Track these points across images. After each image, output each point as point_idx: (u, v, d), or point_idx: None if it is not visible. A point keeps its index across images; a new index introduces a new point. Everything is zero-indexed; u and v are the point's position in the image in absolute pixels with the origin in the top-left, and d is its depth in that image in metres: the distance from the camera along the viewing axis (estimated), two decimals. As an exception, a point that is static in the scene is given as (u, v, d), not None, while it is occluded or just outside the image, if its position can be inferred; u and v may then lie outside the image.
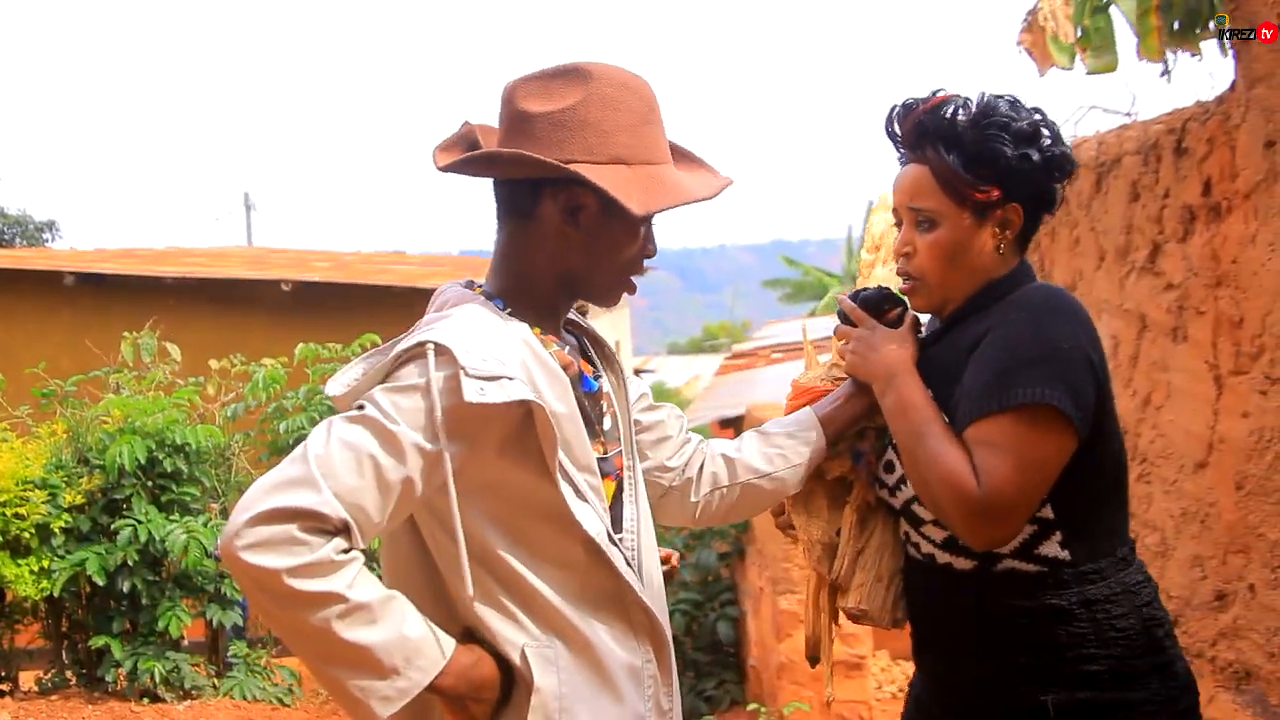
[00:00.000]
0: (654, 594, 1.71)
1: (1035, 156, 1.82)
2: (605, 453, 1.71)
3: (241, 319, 10.05)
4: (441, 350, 1.48)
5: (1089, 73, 3.24)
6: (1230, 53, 2.95)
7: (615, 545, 1.64)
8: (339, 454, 1.42)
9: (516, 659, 1.54)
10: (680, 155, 1.74)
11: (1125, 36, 3.10)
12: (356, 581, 1.41)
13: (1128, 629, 1.77)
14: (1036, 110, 1.86)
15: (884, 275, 2.13)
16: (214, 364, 5.78)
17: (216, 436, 5.25)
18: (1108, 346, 3.62)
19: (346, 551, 1.41)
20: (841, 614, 2.02)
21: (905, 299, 1.97)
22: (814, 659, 2.04)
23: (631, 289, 1.75)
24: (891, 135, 1.93)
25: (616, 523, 1.69)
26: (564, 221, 1.62)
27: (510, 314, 1.63)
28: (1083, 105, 4.22)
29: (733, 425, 9.26)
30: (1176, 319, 3.25)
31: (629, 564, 1.65)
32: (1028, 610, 1.77)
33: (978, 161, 1.81)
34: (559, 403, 1.57)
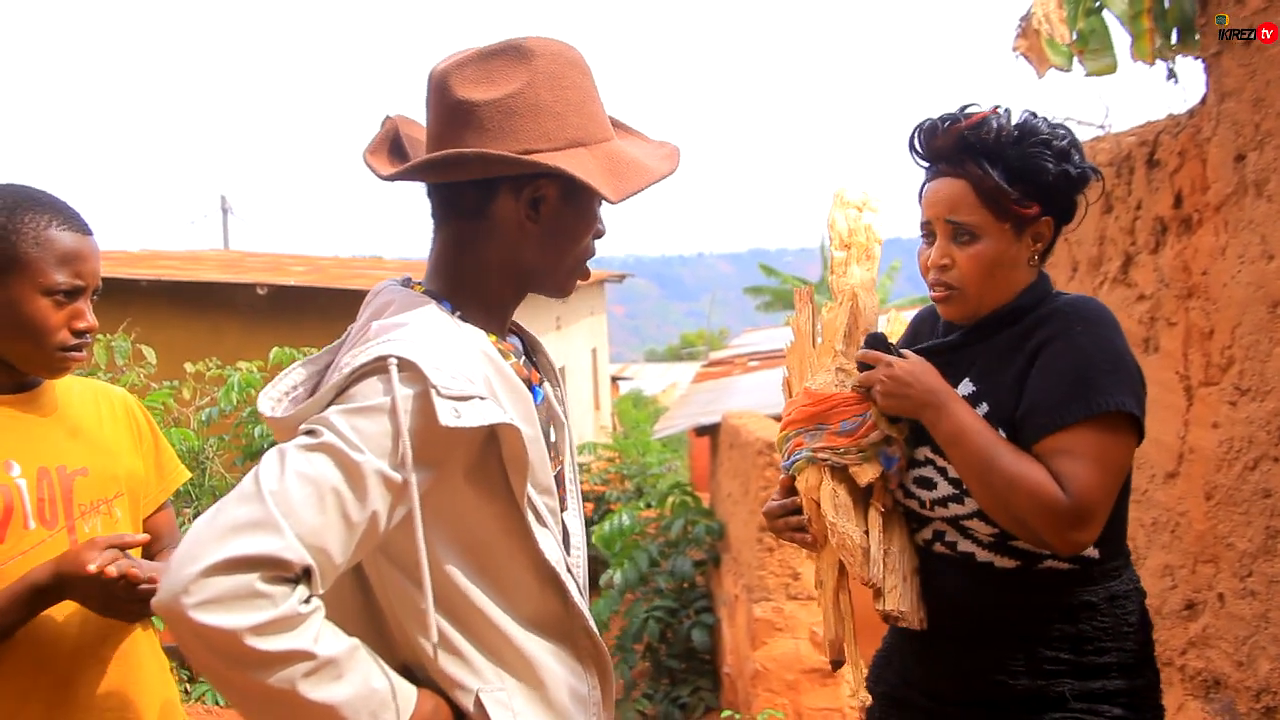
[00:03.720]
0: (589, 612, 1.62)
1: (1072, 173, 1.90)
2: (555, 468, 1.60)
3: (217, 322, 10.01)
4: (405, 365, 1.33)
5: (1088, 74, 3.25)
6: (1202, 67, 2.98)
7: (570, 572, 1.53)
8: (297, 489, 1.25)
9: (470, 705, 1.42)
10: (614, 124, 1.61)
11: (1122, 38, 3.10)
12: (321, 634, 1.27)
13: (1135, 623, 1.91)
14: (1063, 126, 1.93)
15: (859, 274, 2.13)
16: (189, 367, 5.75)
17: (191, 440, 5.22)
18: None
19: (308, 600, 1.26)
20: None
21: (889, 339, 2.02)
22: (837, 663, 2.02)
23: (586, 275, 1.61)
24: (924, 149, 1.96)
25: (565, 542, 1.59)
26: (524, 217, 1.49)
27: (461, 318, 1.49)
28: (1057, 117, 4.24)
29: (708, 433, 9.28)
30: (1148, 330, 3.27)
31: (579, 589, 1.56)
32: (1061, 605, 1.87)
33: (1021, 178, 1.88)
34: (525, 423, 1.44)
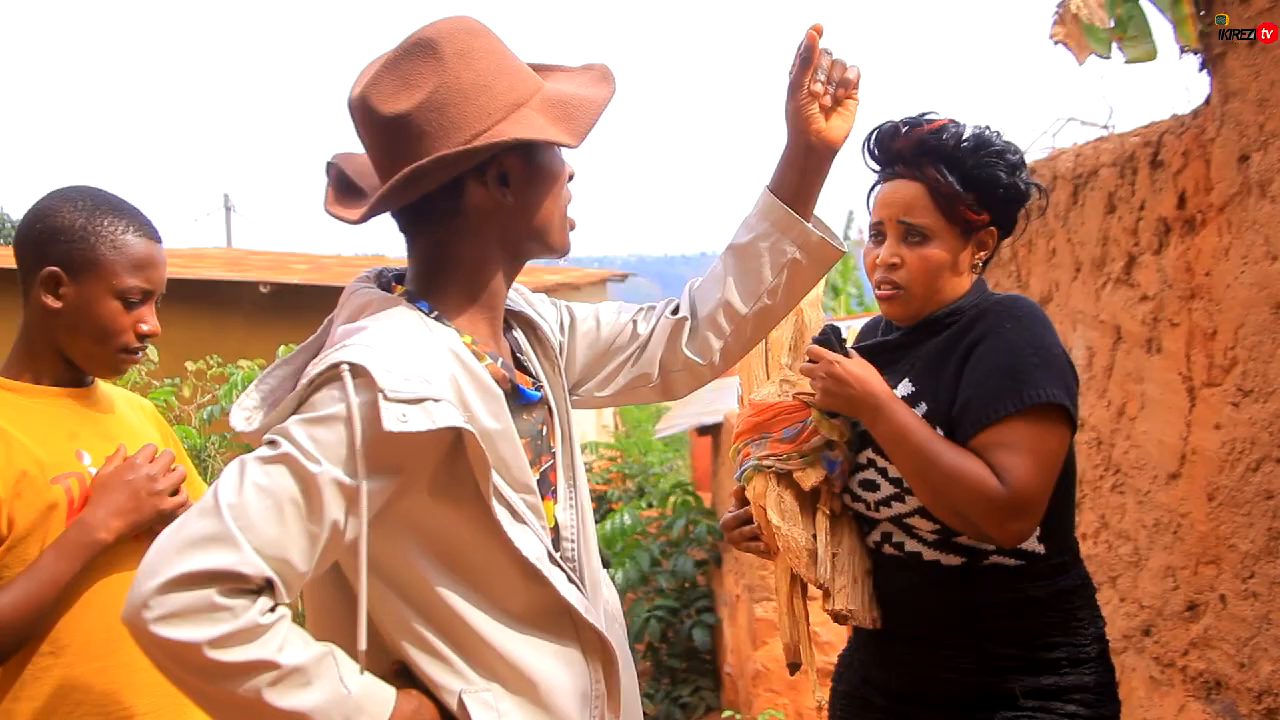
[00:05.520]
0: (600, 601, 1.61)
1: (1021, 186, 1.98)
2: (543, 467, 1.59)
3: (219, 320, 10.00)
4: (358, 371, 1.32)
5: (1127, 61, 3.23)
6: (1205, 68, 2.97)
7: (557, 564, 1.52)
8: (255, 501, 1.26)
9: (453, 705, 1.42)
10: (536, 69, 1.59)
11: (1161, 25, 3.08)
12: (286, 643, 1.27)
13: (1084, 619, 1.94)
14: (1012, 142, 2.01)
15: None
16: (191, 365, 5.75)
17: (193, 438, 5.22)
18: (1083, 357, 3.65)
19: (273, 610, 1.27)
20: (811, 620, 2.08)
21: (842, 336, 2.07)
22: (795, 665, 2.06)
23: (573, 225, 1.61)
24: (881, 151, 2.01)
25: (556, 535, 1.59)
26: (498, 196, 1.48)
27: (438, 318, 1.48)
28: (1061, 117, 4.23)
29: (710, 432, 9.26)
30: (1151, 331, 3.27)
31: (571, 580, 1.55)
32: (1008, 602, 1.91)
33: (974, 185, 1.94)
34: (493, 420, 1.43)
